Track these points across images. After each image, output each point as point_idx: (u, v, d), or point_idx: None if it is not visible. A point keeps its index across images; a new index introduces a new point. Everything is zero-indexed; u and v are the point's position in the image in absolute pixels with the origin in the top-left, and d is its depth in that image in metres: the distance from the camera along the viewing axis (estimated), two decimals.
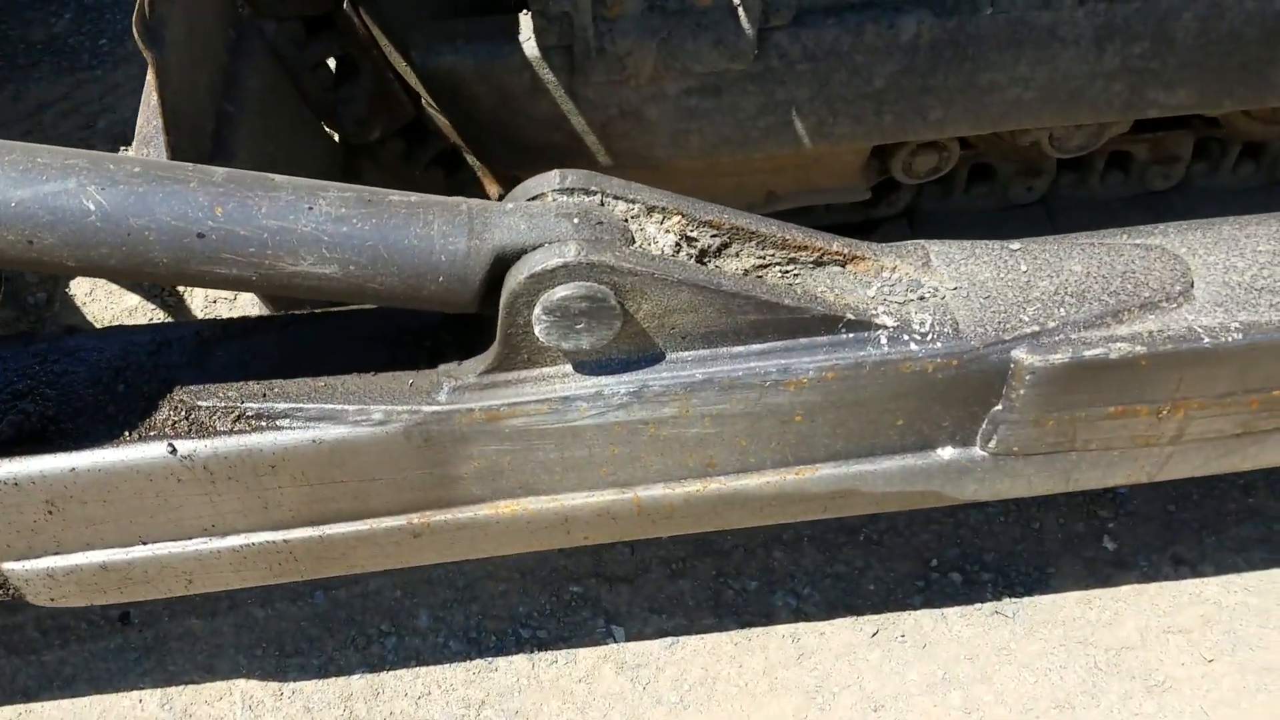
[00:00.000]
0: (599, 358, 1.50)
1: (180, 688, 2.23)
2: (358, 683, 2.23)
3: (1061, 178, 2.52)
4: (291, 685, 2.23)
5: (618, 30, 1.86)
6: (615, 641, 2.27)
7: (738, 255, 1.53)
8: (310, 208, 1.36)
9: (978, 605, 2.29)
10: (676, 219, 1.50)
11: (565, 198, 1.50)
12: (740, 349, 1.52)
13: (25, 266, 1.36)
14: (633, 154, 2.08)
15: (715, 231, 1.51)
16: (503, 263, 1.42)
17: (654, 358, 1.51)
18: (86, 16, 3.58)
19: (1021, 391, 1.55)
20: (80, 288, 2.85)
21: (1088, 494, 2.42)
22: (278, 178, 1.40)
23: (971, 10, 1.90)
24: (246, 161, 1.78)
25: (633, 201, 1.49)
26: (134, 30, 1.45)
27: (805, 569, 2.34)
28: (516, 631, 2.29)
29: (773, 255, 1.53)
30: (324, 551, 1.68)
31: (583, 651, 2.26)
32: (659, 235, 1.48)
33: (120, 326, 2.21)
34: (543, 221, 1.43)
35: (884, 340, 1.52)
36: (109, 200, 1.31)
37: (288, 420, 1.52)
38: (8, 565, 1.63)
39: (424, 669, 2.25)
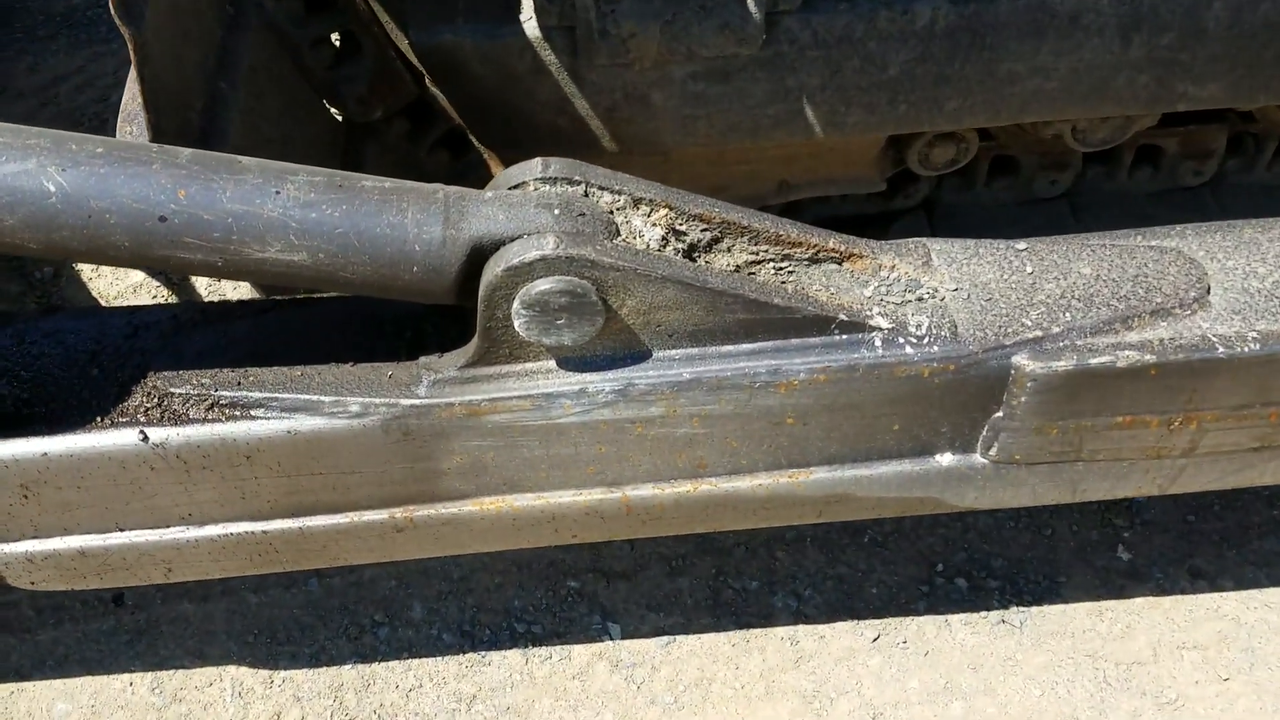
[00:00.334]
0: (583, 354, 1.45)
1: (171, 672, 2.21)
2: (349, 673, 2.20)
3: (1088, 171, 2.42)
4: (282, 673, 2.21)
5: (620, 12, 1.79)
6: (611, 639, 2.22)
7: (729, 251, 1.46)
8: (278, 192, 1.31)
9: (984, 613, 2.21)
10: (664, 211, 1.44)
11: (548, 187, 1.44)
12: (729, 348, 1.46)
13: None
14: (639, 140, 2.02)
15: (705, 225, 1.45)
16: (480, 253, 1.37)
17: (640, 355, 1.46)
18: None
19: (1023, 399, 1.48)
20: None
21: (1102, 502, 2.33)
22: (246, 160, 1.35)
23: None
24: (239, 142, 1.74)
25: (619, 192, 1.44)
26: (109, 5, 1.41)
27: (807, 570, 2.28)
28: (511, 625, 2.24)
29: (766, 251, 1.47)
30: (304, 543, 1.65)
31: (577, 648, 2.22)
32: (645, 228, 1.42)
33: (98, 307, 2.18)
34: (521, 212, 1.38)
35: (878, 343, 1.45)
36: (69, 182, 1.27)
37: (262, 410, 1.48)
38: None
39: (416, 661, 2.21)
